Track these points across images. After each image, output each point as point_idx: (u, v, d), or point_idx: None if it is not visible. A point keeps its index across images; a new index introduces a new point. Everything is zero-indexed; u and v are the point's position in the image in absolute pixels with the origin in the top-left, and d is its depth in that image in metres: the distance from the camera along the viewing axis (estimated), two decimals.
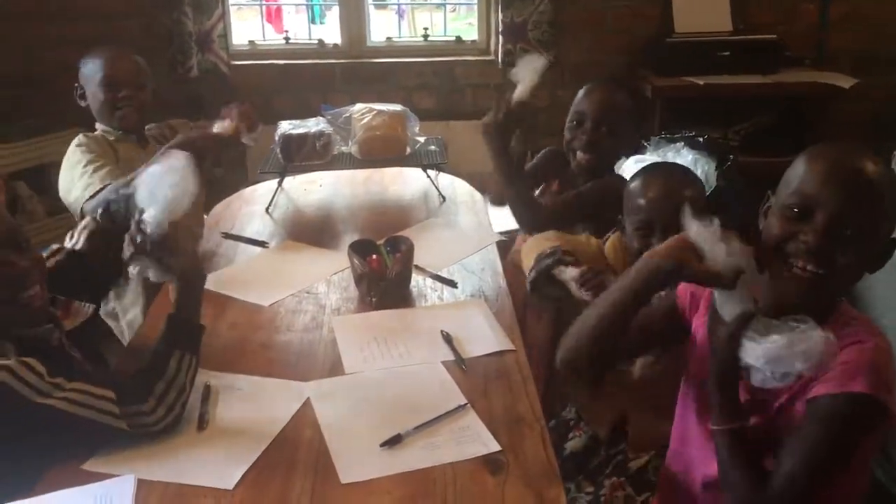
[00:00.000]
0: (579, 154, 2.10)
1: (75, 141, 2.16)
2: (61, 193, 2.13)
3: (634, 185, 1.74)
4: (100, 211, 1.71)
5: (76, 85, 2.24)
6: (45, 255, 1.63)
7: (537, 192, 2.20)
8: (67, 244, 1.69)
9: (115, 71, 2.18)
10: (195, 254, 1.62)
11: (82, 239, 1.69)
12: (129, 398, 1.33)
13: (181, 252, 1.50)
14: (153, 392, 1.36)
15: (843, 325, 1.20)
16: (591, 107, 2.08)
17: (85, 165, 2.08)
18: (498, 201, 2.21)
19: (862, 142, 3.91)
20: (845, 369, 1.14)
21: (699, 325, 1.37)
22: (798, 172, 1.21)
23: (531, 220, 2.02)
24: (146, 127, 2.32)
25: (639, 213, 1.69)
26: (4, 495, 1.21)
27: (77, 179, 2.07)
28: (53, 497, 1.19)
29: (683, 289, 1.40)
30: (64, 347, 1.50)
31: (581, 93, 2.13)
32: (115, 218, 1.69)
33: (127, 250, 1.48)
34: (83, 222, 1.73)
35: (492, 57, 3.86)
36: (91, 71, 2.20)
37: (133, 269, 1.50)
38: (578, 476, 1.72)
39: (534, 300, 1.93)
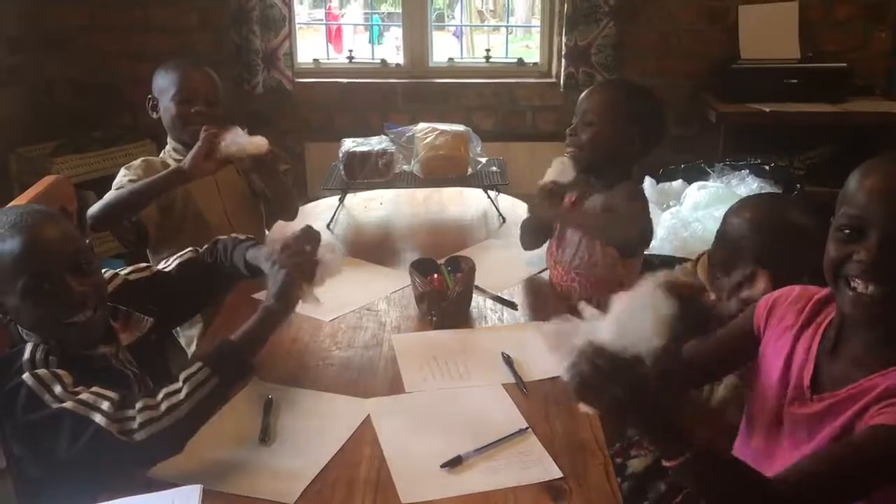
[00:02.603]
0: (567, 150, 2.02)
1: (123, 171, 2.15)
2: None
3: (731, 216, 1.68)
4: (206, 246, 1.74)
5: (149, 97, 2.26)
6: (130, 269, 1.67)
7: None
8: (158, 266, 1.72)
9: (189, 85, 2.20)
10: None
11: (174, 264, 1.71)
12: (131, 403, 1.28)
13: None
14: (155, 396, 1.30)
15: None
16: (578, 105, 1.99)
17: (122, 175, 2.12)
18: (529, 244, 2.17)
19: None
20: None
21: (769, 338, 1.34)
22: (848, 191, 1.17)
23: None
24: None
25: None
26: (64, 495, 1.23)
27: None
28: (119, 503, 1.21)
29: (763, 304, 1.38)
30: (120, 365, 1.50)
31: (582, 95, 2.04)
32: (217, 256, 1.71)
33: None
34: (182, 252, 1.74)
35: (553, 80, 3.87)
36: (165, 83, 2.21)
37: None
38: (642, 503, 1.69)
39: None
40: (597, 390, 1.07)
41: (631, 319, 1.09)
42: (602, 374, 1.06)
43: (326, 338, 1.81)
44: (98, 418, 1.26)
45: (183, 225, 2.23)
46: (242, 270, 1.68)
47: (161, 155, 2.27)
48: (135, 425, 1.26)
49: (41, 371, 1.32)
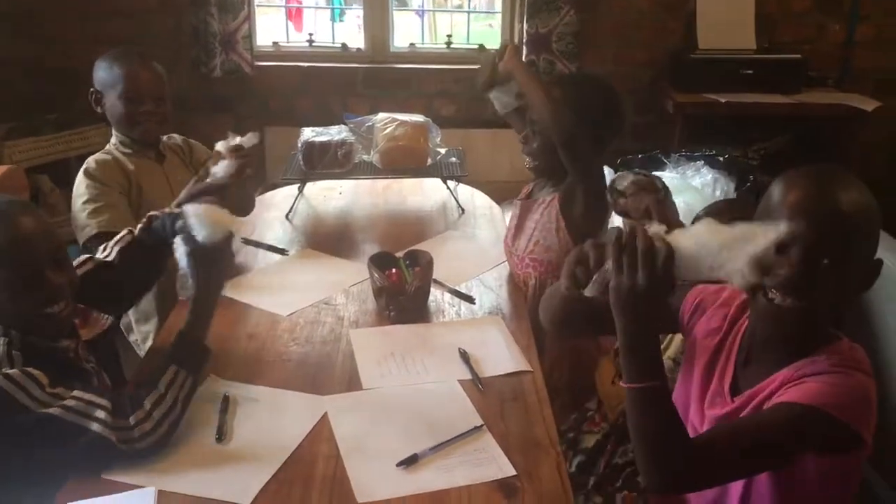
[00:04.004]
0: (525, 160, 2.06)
1: (85, 166, 2.12)
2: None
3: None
4: (140, 225, 1.71)
5: (92, 90, 2.17)
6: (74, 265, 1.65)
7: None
8: (98, 255, 1.70)
9: (137, 84, 2.12)
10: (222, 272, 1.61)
11: (115, 252, 1.69)
12: (122, 410, 1.33)
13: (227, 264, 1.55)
14: (143, 406, 1.35)
15: (835, 355, 1.20)
16: (529, 111, 2.00)
17: (85, 202, 2.05)
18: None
19: (883, 166, 3.89)
20: (817, 390, 1.14)
21: (696, 333, 1.39)
22: (771, 204, 1.19)
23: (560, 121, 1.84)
24: (167, 136, 2.29)
25: None
26: (20, 499, 1.23)
27: (77, 214, 2.05)
28: None
29: (692, 297, 1.42)
30: (80, 360, 1.51)
31: None
32: (155, 234, 1.69)
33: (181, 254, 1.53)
34: (119, 236, 1.72)
35: None
36: (109, 79, 2.13)
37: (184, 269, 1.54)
38: (589, 478, 1.73)
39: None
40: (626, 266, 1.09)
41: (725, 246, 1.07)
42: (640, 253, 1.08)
43: (284, 332, 1.81)
44: (95, 427, 1.30)
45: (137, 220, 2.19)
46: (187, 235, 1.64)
47: (107, 147, 2.20)
48: (134, 436, 1.33)
49: (12, 371, 1.32)
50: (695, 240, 1.10)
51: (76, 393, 1.33)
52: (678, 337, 1.69)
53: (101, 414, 1.31)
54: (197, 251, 1.51)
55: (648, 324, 1.14)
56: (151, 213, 1.72)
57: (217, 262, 1.55)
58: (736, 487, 1.25)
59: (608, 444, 1.73)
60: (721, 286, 1.42)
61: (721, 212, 1.72)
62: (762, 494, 1.22)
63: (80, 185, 2.09)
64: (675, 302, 1.44)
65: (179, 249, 1.53)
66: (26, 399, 1.29)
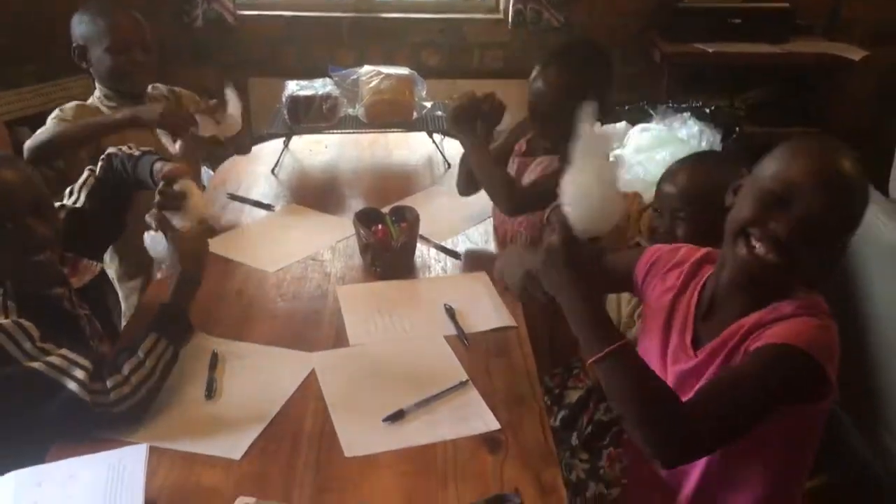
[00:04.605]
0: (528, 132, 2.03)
1: (56, 112, 2.09)
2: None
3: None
4: (101, 164, 1.71)
5: (74, 46, 2.14)
6: None
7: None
8: (67, 201, 1.69)
9: (122, 35, 2.10)
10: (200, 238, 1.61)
11: (83, 196, 1.69)
12: (101, 374, 1.34)
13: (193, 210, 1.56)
14: (121, 371, 1.36)
15: (796, 300, 1.21)
16: (532, 85, 1.92)
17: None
18: (465, 188, 2.14)
19: (869, 116, 3.87)
20: (790, 330, 1.16)
21: (651, 293, 1.41)
22: (783, 161, 1.20)
23: (510, 200, 1.90)
24: (151, 86, 2.27)
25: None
26: (16, 463, 1.25)
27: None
28: (67, 463, 1.23)
29: (646, 257, 1.45)
30: (73, 307, 1.54)
31: (535, 71, 1.95)
32: (116, 173, 1.69)
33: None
34: (82, 178, 1.71)
35: (501, 16, 3.82)
36: (93, 32, 2.10)
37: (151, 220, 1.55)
38: (572, 433, 1.77)
39: None
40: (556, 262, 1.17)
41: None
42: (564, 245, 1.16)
43: (272, 289, 1.82)
44: (72, 385, 1.31)
45: None
46: (150, 183, 1.66)
47: (90, 100, 2.18)
48: (109, 399, 1.33)
49: (6, 322, 1.34)
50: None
51: (63, 351, 1.34)
52: None
53: (79, 374, 1.32)
54: (175, 236, 1.53)
55: (581, 291, 1.16)
56: (109, 150, 1.72)
57: (195, 243, 1.55)
58: None
59: (590, 400, 1.77)
60: (677, 245, 1.45)
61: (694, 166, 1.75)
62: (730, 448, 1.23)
63: (48, 122, 2.07)
64: (629, 263, 1.47)
65: (149, 237, 1.56)
66: (16, 351, 1.32)
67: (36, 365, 1.31)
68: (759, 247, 1.19)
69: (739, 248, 1.22)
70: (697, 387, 1.20)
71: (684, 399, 1.14)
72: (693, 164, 1.76)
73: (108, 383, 1.33)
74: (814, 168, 1.17)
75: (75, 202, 1.69)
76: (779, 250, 1.18)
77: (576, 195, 1.16)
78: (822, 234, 1.17)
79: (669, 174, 1.76)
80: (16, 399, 1.33)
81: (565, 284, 1.17)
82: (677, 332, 1.34)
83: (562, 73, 1.86)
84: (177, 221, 1.54)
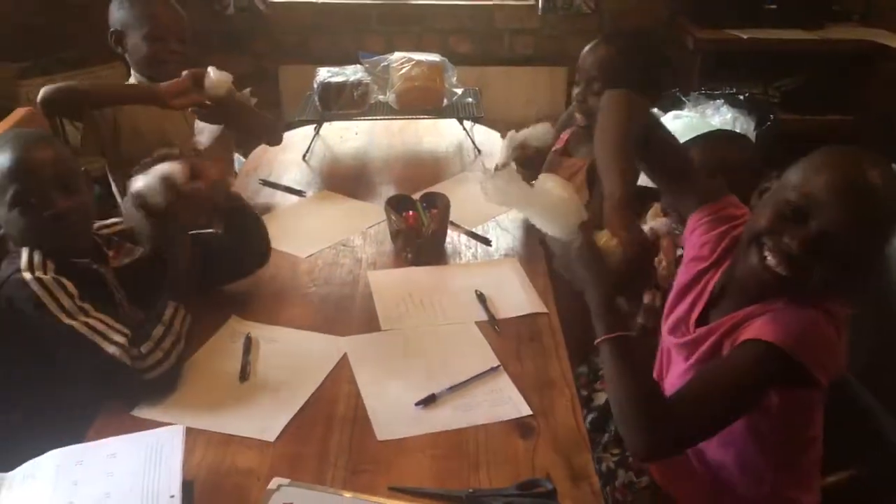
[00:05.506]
0: (576, 116, 2.00)
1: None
2: None
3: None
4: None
5: (112, 31, 2.18)
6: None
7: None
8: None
9: (161, 23, 2.14)
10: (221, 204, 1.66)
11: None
12: (137, 340, 1.40)
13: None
14: (151, 336, 1.42)
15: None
16: (584, 64, 1.93)
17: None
18: None
19: None
20: (773, 324, 1.15)
21: (694, 244, 1.39)
22: (808, 171, 1.17)
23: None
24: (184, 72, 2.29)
25: None
26: (58, 436, 1.28)
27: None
28: (106, 443, 1.25)
29: (696, 217, 1.40)
30: (106, 282, 1.55)
31: (584, 51, 1.97)
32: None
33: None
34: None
35: (531, 2, 3.80)
36: (131, 19, 2.15)
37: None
38: (603, 435, 1.77)
39: None
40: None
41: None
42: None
43: (303, 274, 1.84)
44: (111, 349, 1.37)
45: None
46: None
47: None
48: (147, 364, 1.39)
49: (45, 277, 1.40)
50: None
51: (102, 316, 1.41)
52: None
53: (119, 338, 1.39)
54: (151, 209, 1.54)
55: (599, 287, 1.24)
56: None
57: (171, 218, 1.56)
58: None
59: None
60: (739, 210, 1.39)
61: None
62: (731, 430, 1.23)
63: None
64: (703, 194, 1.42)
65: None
66: (54, 306, 1.38)
67: (74, 324, 1.37)
68: (770, 258, 1.17)
69: (752, 256, 1.21)
70: (678, 388, 1.19)
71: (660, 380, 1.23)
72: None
73: (143, 349, 1.39)
74: (837, 182, 1.13)
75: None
76: (790, 264, 1.16)
77: (540, 224, 1.39)
78: (841, 251, 1.13)
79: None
80: (54, 353, 1.40)
81: (588, 280, 1.25)
82: (689, 303, 1.34)
83: (605, 49, 1.90)
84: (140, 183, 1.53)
